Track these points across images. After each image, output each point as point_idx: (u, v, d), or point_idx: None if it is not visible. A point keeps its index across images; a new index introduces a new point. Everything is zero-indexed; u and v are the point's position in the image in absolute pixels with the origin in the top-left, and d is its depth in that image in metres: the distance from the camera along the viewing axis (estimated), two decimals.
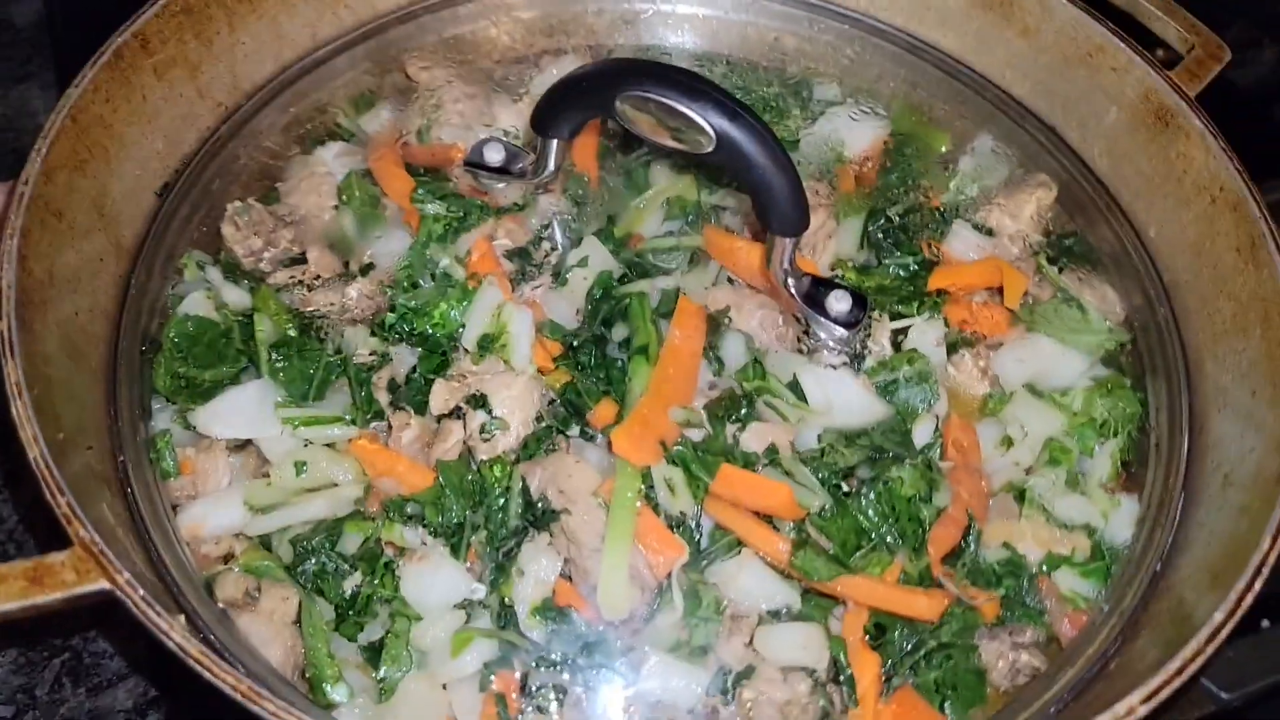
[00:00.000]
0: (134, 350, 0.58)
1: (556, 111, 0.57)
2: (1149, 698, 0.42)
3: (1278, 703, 0.70)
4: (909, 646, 0.54)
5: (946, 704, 0.53)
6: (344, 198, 0.66)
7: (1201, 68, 0.64)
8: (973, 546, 0.57)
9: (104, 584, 0.40)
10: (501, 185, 0.65)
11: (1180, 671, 0.42)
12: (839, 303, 0.58)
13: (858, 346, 0.60)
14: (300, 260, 0.64)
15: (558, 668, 0.52)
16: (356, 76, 0.73)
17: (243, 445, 0.58)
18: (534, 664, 0.52)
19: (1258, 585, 0.44)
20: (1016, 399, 0.62)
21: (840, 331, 0.59)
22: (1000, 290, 0.65)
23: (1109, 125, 0.67)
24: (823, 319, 0.58)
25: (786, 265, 0.56)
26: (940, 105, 0.73)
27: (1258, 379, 0.54)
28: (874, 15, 0.75)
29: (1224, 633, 0.43)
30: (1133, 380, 0.62)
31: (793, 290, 0.58)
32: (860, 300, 0.59)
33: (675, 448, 0.55)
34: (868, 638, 0.54)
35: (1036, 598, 0.56)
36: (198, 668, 0.38)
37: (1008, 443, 0.61)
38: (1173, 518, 0.55)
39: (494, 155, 0.64)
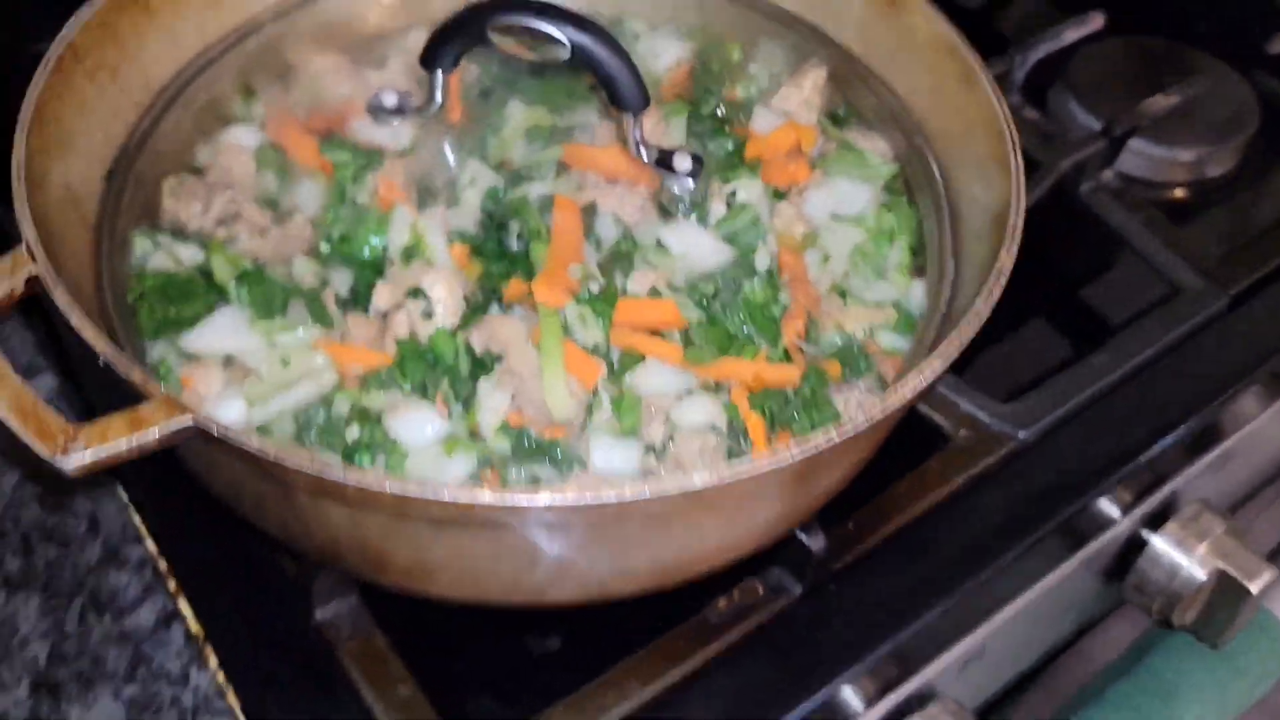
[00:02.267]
0: (119, 304, 0.70)
1: (439, 47, 0.72)
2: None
3: (1067, 433, 0.92)
4: (783, 405, 0.71)
5: None
6: (260, 163, 0.79)
7: None
8: (814, 333, 0.75)
9: (189, 419, 0.52)
10: (397, 122, 0.79)
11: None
12: (682, 160, 0.75)
13: (701, 195, 0.78)
14: (235, 218, 0.77)
15: (526, 462, 0.66)
16: (244, 69, 0.85)
17: (228, 362, 0.70)
18: (507, 463, 0.66)
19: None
20: (824, 227, 0.81)
21: (688, 182, 0.76)
22: (799, 150, 0.84)
23: (857, 16, 0.86)
24: (673, 174, 0.76)
25: (638, 137, 0.74)
26: (727, 26, 0.91)
27: (989, 162, 0.74)
28: None
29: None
30: (907, 197, 0.82)
31: (645, 158, 0.75)
32: (698, 158, 0.76)
33: (581, 292, 0.71)
34: (750, 405, 0.71)
35: (866, 358, 0.74)
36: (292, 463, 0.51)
37: (826, 260, 0.80)
38: (950, 280, 0.74)
39: (389, 99, 0.78)
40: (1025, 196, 0.68)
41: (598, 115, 0.85)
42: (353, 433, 0.66)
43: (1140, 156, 1.17)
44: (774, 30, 0.90)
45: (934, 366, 0.59)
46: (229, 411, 0.67)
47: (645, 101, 0.71)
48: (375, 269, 0.75)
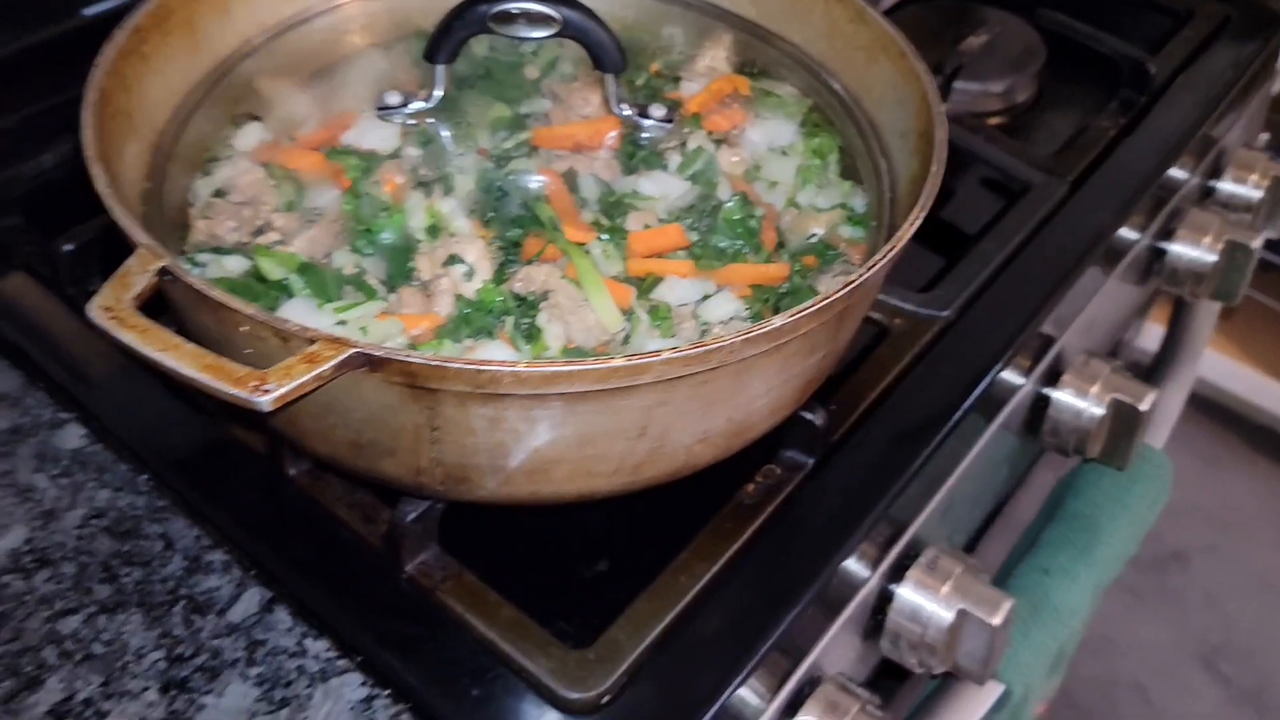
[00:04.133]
0: None
1: (442, 40, 0.83)
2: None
3: (981, 306, 1.09)
4: (779, 298, 0.85)
5: None
6: (274, 179, 0.87)
7: None
8: (784, 239, 0.90)
9: (353, 350, 0.61)
10: (405, 117, 0.89)
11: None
12: (658, 110, 0.89)
13: (661, 148, 0.91)
14: (266, 228, 0.84)
15: None
16: (225, 106, 0.93)
17: None
18: None
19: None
20: (765, 158, 0.96)
21: (667, 127, 0.90)
22: (724, 101, 0.99)
23: None
24: (653, 122, 0.89)
25: (619, 95, 0.87)
26: (635, 14, 1.05)
27: (896, 84, 0.90)
28: None
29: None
30: (825, 124, 0.98)
31: (627, 111, 0.88)
32: (670, 107, 0.90)
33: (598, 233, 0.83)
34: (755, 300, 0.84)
35: (833, 249, 0.89)
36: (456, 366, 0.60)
37: (773, 186, 0.94)
38: (888, 169, 0.90)
39: (393, 99, 0.88)
40: (939, 97, 0.84)
41: (547, 103, 0.97)
42: None
43: (963, 94, 1.39)
44: (676, 14, 1.05)
45: (902, 239, 0.74)
46: None
47: (624, 64, 0.84)
48: (404, 251, 0.84)
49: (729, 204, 0.88)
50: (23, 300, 1.02)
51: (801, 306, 0.67)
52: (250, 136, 0.92)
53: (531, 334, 0.79)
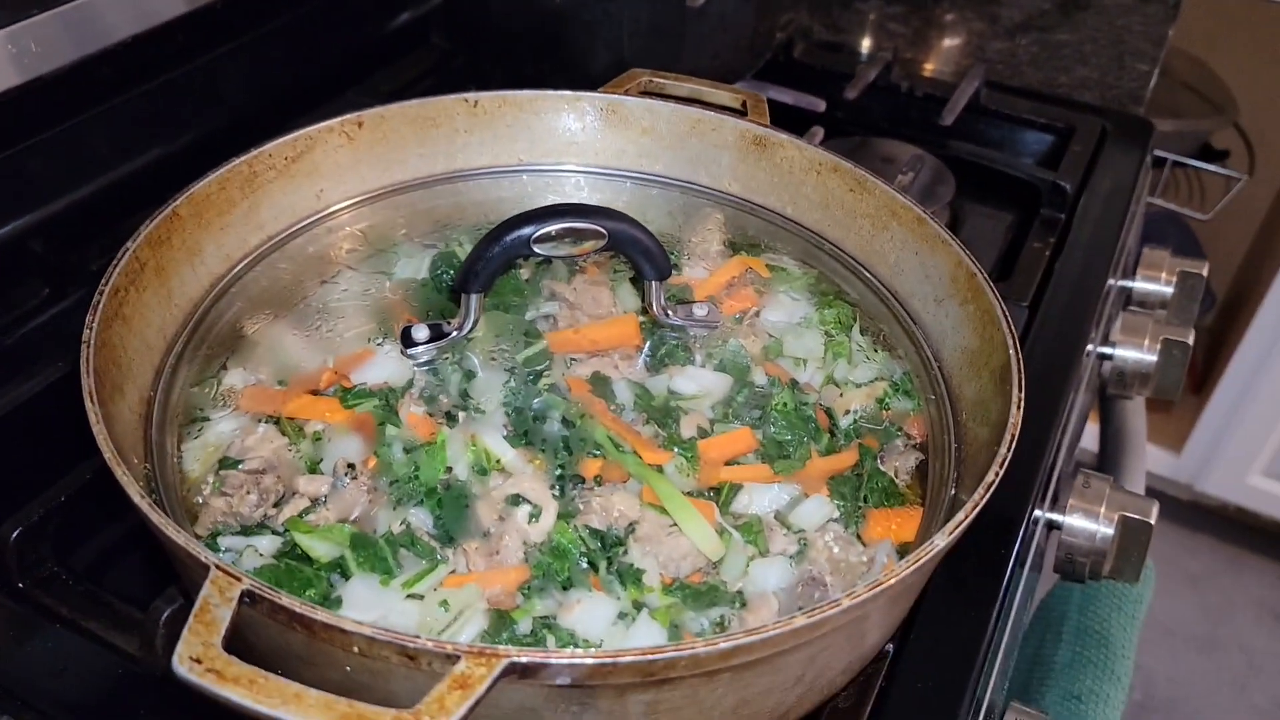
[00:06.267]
0: None
1: (479, 269, 0.76)
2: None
3: None
4: (853, 486, 0.80)
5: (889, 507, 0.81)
6: (289, 437, 0.77)
7: (758, 111, 1.00)
8: (834, 420, 0.86)
9: (507, 661, 0.52)
10: (432, 353, 0.81)
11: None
12: (700, 310, 0.84)
13: (721, 335, 0.87)
14: (291, 495, 0.74)
15: (704, 610, 0.70)
16: (205, 355, 0.82)
17: None
18: (687, 618, 0.69)
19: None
20: (786, 335, 0.92)
21: (714, 326, 0.85)
22: (732, 282, 0.95)
23: (728, 164, 1.00)
24: (698, 323, 0.84)
25: (664, 301, 0.81)
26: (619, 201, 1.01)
27: (915, 243, 0.89)
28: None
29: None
30: (835, 294, 0.95)
31: (670, 313, 0.83)
32: (714, 306, 0.85)
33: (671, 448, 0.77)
34: (830, 493, 0.79)
35: (890, 426, 0.86)
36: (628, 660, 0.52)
37: (801, 363, 0.91)
38: (923, 335, 0.88)
39: (420, 333, 0.80)
40: (975, 260, 0.83)
41: (554, 305, 0.91)
42: (551, 644, 0.67)
43: None
44: (656, 192, 1.02)
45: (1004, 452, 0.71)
46: None
47: (669, 271, 0.79)
48: (457, 498, 0.75)
49: (779, 394, 0.84)
50: None
51: (951, 528, 0.62)
52: (238, 385, 0.82)
53: (625, 575, 0.71)
